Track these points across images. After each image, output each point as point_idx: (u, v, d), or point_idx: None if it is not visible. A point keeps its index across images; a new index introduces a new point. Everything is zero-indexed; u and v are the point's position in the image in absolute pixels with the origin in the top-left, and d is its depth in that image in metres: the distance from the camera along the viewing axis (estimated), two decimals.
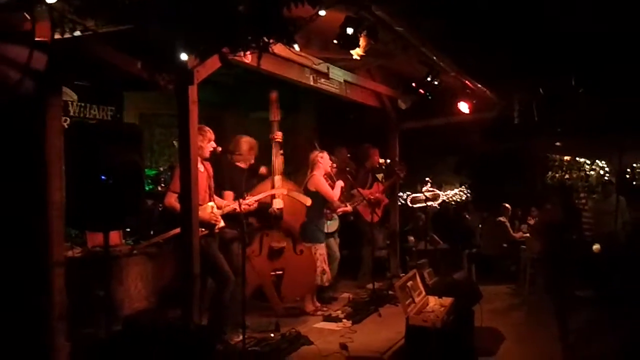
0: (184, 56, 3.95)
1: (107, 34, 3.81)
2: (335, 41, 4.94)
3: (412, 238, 9.80)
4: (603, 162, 12.53)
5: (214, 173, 5.61)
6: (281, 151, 6.49)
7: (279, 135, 6.48)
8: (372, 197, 7.90)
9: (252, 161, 6.18)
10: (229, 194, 5.86)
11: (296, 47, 4.60)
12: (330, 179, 6.99)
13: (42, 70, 4.31)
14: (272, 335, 5.64)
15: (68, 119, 6.80)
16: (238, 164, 6.06)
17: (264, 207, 6.23)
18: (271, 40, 3.88)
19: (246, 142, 6.10)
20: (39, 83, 4.37)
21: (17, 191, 4.48)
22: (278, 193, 6.35)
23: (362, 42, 4.89)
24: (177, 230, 5.00)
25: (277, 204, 6.36)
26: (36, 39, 3.96)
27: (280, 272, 6.47)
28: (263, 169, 6.55)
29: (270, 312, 6.46)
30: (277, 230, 6.48)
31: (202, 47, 3.89)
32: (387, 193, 8.49)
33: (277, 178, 6.42)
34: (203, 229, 5.19)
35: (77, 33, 3.53)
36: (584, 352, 5.26)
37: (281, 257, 6.48)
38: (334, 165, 7.08)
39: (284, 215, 6.41)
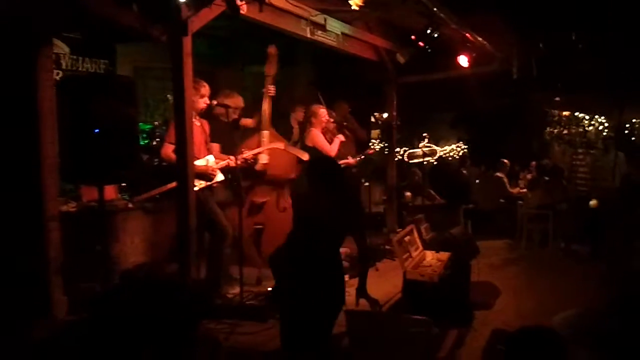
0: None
1: None
2: None
3: (408, 194, 9.78)
4: (602, 117, 12.44)
5: None
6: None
7: (271, 90, 6.26)
8: None
9: (236, 116, 6.01)
10: (216, 146, 5.76)
11: None
12: (330, 133, 6.91)
13: (31, 19, 4.20)
14: (269, 289, 5.65)
15: (60, 72, 6.67)
16: (221, 117, 5.83)
17: (250, 163, 6.10)
18: None
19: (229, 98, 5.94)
20: (28, 33, 4.26)
21: (9, 145, 4.42)
22: (272, 147, 6.22)
23: None
24: (173, 184, 4.96)
25: (263, 159, 6.18)
26: None
27: (261, 227, 6.38)
28: (247, 121, 6.39)
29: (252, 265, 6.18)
30: (260, 186, 6.33)
31: None
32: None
33: (266, 133, 6.18)
34: (201, 182, 5.15)
35: None
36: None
37: (262, 212, 6.31)
38: (332, 120, 6.97)
39: (271, 171, 6.23)
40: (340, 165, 3.82)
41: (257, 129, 6.26)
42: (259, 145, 6.11)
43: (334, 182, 3.55)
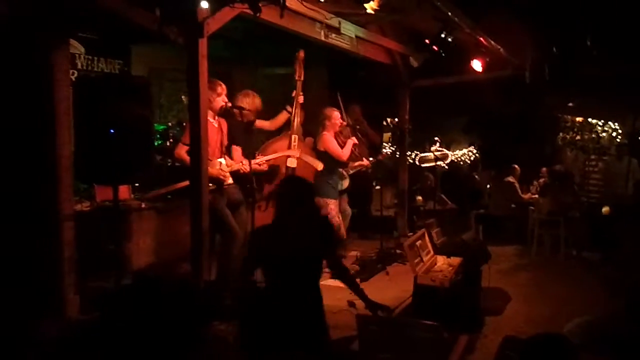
0: (204, 3, 3.84)
1: None
2: None
3: (420, 198, 9.76)
4: (616, 123, 12.33)
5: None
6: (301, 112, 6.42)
7: (301, 97, 6.39)
8: None
9: (252, 118, 6.06)
10: (237, 149, 5.80)
11: None
12: (343, 136, 6.92)
13: (49, 21, 4.24)
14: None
15: (75, 72, 6.72)
16: (237, 117, 5.87)
17: (276, 166, 6.16)
18: None
19: (248, 98, 6.00)
20: (45, 34, 4.29)
21: (26, 145, 4.46)
22: (292, 154, 6.29)
23: None
24: (185, 183, 4.98)
25: (291, 163, 6.26)
26: None
27: None
28: (263, 123, 6.43)
29: None
30: None
31: None
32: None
33: (295, 137, 6.33)
34: (211, 184, 5.18)
35: None
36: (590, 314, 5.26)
37: None
38: (344, 122, 6.98)
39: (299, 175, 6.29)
40: (311, 186, 3.74)
41: (277, 131, 6.33)
42: (289, 148, 6.25)
43: (303, 203, 3.49)
